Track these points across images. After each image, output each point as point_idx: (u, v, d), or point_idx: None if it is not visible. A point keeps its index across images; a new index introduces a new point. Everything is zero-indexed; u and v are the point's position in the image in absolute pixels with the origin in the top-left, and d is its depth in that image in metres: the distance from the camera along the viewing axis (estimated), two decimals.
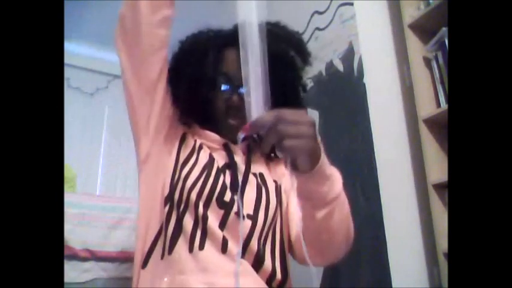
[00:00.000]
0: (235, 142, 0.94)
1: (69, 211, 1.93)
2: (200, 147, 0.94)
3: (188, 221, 0.84)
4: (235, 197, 0.86)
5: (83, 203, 2.10)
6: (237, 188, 0.87)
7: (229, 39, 0.93)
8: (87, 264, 1.95)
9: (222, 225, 0.84)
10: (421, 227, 1.58)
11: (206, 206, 0.85)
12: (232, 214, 0.84)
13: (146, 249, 0.87)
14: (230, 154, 0.94)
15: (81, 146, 3.31)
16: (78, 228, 1.97)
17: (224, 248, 0.82)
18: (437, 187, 1.48)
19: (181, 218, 0.85)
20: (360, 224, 1.59)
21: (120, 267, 2.01)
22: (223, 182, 0.88)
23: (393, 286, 1.44)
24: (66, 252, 1.86)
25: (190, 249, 0.82)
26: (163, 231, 0.86)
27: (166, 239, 0.85)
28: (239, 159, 0.94)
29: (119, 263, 2.01)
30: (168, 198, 0.87)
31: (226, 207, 0.85)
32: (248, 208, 0.87)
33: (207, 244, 0.82)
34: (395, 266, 1.47)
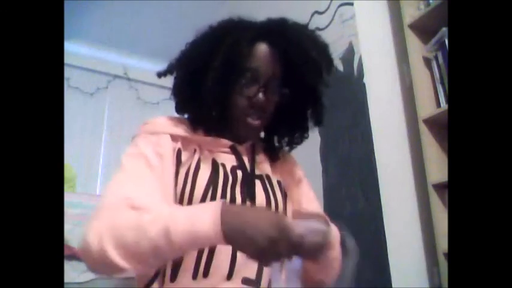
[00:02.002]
0: (241, 143, 0.92)
1: (69, 211, 1.94)
2: (199, 160, 0.87)
3: None
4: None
5: (83, 203, 2.10)
6: (249, 196, 0.84)
7: (262, 32, 0.89)
8: None
9: None
10: (421, 227, 1.58)
11: None
12: None
13: (150, 275, 0.81)
14: (239, 156, 0.90)
15: (81, 146, 3.30)
16: (78, 228, 1.97)
17: (230, 274, 0.79)
18: (437, 187, 1.48)
19: None
20: (360, 224, 1.60)
21: None
22: (232, 195, 0.84)
23: (393, 286, 1.44)
24: (66, 252, 1.86)
25: (194, 276, 0.78)
26: None
27: (168, 265, 0.80)
28: (246, 161, 0.91)
29: None
30: None
31: None
32: None
33: (212, 269, 0.79)
34: (395, 266, 1.46)
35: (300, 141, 0.99)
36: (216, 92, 0.85)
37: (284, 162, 1.00)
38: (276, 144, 1.00)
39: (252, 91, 0.87)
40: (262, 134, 1.00)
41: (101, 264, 0.68)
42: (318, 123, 0.96)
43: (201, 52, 0.89)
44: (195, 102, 0.89)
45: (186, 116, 0.96)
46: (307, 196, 1.00)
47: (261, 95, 0.87)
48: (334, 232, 0.87)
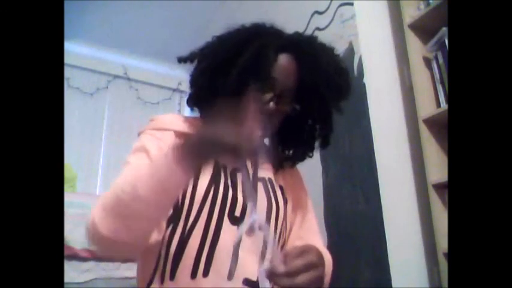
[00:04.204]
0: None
1: (69, 211, 1.94)
2: None
3: (194, 242, 0.79)
4: (247, 211, 0.82)
5: (83, 203, 2.10)
6: (250, 198, 0.83)
7: (290, 44, 0.90)
8: (87, 264, 1.95)
9: (237, 243, 0.80)
10: (421, 227, 1.58)
11: (219, 222, 0.80)
12: (243, 231, 0.81)
13: (149, 273, 0.82)
14: (241, 158, 0.91)
15: (81, 146, 3.31)
16: (78, 228, 1.97)
17: (231, 274, 0.79)
18: (437, 187, 1.48)
19: (186, 238, 0.80)
20: (360, 224, 1.60)
21: (120, 267, 2.01)
22: (233, 194, 0.84)
23: (393, 286, 1.44)
24: (66, 252, 1.86)
25: (193, 275, 0.78)
26: (164, 254, 0.81)
27: (167, 262, 0.80)
28: (249, 163, 0.91)
29: (119, 263, 2.02)
30: (172, 219, 0.81)
31: (238, 223, 0.82)
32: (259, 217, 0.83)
33: (213, 269, 0.78)
34: (395, 266, 1.46)
35: (302, 158, 0.99)
36: (233, 88, 0.86)
37: (290, 179, 1.00)
38: (280, 153, 0.99)
39: (265, 98, 0.87)
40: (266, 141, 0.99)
41: (91, 238, 0.73)
42: (324, 145, 0.97)
43: (228, 48, 0.90)
44: (210, 94, 0.89)
45: (193, 113, 0.96)
46: (307, 223, 0.99)
47: (272, 103, 0.87)
48: (327, 263, 0.85)
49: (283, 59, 0.89)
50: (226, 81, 0.85)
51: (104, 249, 0.77)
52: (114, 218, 0.71)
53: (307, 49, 0.90)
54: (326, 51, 0.93)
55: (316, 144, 0.98)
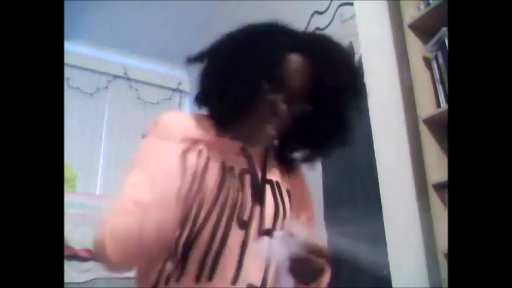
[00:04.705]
0: (253, 145, 0.90)
1: (69, 211, 1.94)
2: (208, 161, 0.83)
3: (201, 245, 0.79)
4: (255, 213, 0.83)
5: (83, 203, 2.11)
6: (259, 200, 0.84)
7: (299, 44, 0.88)
8: (87, 264, 1.96)
9: (243, 247, 0.80)
10: (421, 227, 1.58)
11: (227, 227, 0.80)
12: (251, 234, 0.81)
13: (155, 275, 0.82)
14: (250, 159, 0.89)
15: (81, 146, 3.31)
16: (78, 228, 1.97)
17: (235, 279, 0.78)
18: (437, 187, 1.48)
19: (193, 241, 0.80)
20: (360, 224, 1.59)
21: None
22: (242, 198, 0.83)
23: (393, 286, 1.44)
24: (66, 252, 1.86)
25: (198, 278, 0.78)
26: (169, 257, 0.81)
27: (173, 264, 0.80)
28: (257, 164, 0.90)
29: None
30: (180, 223, 0.80)
31: (245, 226, 0.82)
32: (266, 222, 0.84)
33: (217, 273, 0.78)
34: (395, 266, 1.46)
35: (314, 158, 0.96)
36: (242, 89, 0.83)
37: (296, 181, 0.99)
38: (289, 155, 0.98)
39: (275, 99, 0.85)
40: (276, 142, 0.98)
41: (99, 256, 0.72)
42: (341, 144, 0.94)
43: (239, 48, 0.88)
44: (219, 94, 0.86)
45: (199, 111, 0.93)
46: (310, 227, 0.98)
47: (283, 105, 0.85)
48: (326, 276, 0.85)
49: (293, 59, 0.86)
50: (237, 81, 0.83)
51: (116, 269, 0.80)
52: (127, 249, 0.72)
53: (314, 48, 0.88)
54: (338, 50, 0.91)
55: (332, 144, 0.95)
